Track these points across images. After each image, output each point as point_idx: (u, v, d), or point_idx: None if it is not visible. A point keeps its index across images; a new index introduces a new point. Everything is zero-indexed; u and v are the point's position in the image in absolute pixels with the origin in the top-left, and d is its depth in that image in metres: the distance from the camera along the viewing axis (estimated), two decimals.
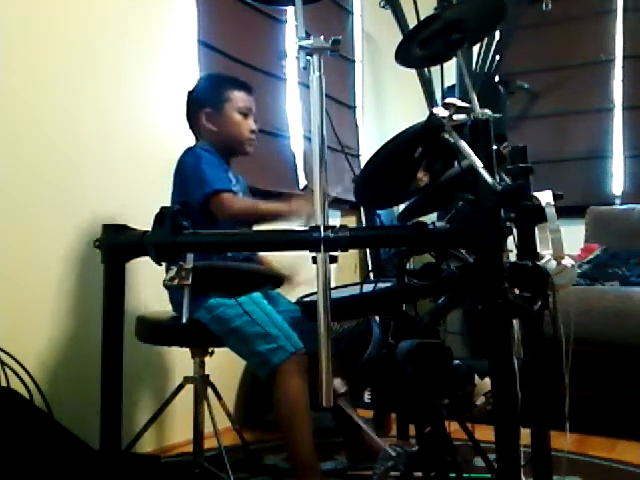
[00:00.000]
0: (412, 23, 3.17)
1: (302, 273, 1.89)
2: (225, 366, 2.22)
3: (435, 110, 1.20)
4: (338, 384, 1.74)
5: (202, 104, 1.99)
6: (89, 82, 2.11)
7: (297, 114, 3.12)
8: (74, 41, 2.08)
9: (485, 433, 1.41)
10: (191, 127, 2.05)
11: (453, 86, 3.24)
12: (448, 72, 3.15)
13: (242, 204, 1.87)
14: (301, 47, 1.17)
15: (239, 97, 2.00)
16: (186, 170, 1.88)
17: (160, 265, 1.30)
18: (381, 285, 1.50)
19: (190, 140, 2.04)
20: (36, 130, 1.94)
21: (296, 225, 1.83)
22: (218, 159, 1.92)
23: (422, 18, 1.33)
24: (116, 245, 1.24)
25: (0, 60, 1.86)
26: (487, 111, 1.23)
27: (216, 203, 1.80)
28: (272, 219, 1.86)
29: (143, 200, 1.93)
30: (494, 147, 1.23)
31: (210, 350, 1.90)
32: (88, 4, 2.13)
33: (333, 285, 1.23)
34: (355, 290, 1.59)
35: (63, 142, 2.02)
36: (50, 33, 2.01)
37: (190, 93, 2.05)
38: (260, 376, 1.75)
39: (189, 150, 1.93)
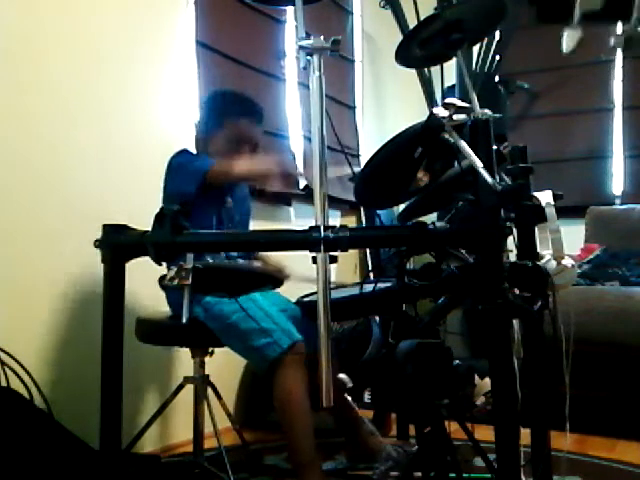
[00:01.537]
0: (412, 23, 3.17)
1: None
2: (225, 366, 2.22)
3: (435, 110, 1.21)
4: (345, 379, 1.75)
5: (201, 123, 2.05)
6: (89, 83, 2.11)
7: (297, 114, 3.12)
8: (74, 43, 2.08)
9: (485, 433, 1.41)
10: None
11: (453, 86, 3.24)
12: (448, 72, 3.15)
13: (234, 166, 1.83)
14: (301, 47, 1.17)
15: (238, 126, 1.97)
16: (177, 168, 1.91)
17: (160, 265, 1.30)
18: (381, 285, 1.50)
19: (189, 140, 2.05)
20: (37, 130, 1.95)
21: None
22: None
23: (422, 18, 1.34)
24: (116, 245, 1.24)
25: (4, 59, 1.86)
26: (487, 111, 1.23)
27: (212, 174, 1.81)
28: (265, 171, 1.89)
29: (143, 200, 1.93)
30: (494, 147, 1.23)
31: (210, 350, 1.90)
32: (88, 7, 2.13)
33: (333, 285, 1.23)
34: (355, 290, 1.59)
35: (64, 142, 2.02)
36: (50, 35, 2.01)
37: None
38: (259, 371, 1.76)
39: (177, 153, 1.95)
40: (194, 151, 2.07)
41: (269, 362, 1.72)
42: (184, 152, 1.98)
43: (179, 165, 1.91)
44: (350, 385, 1.78)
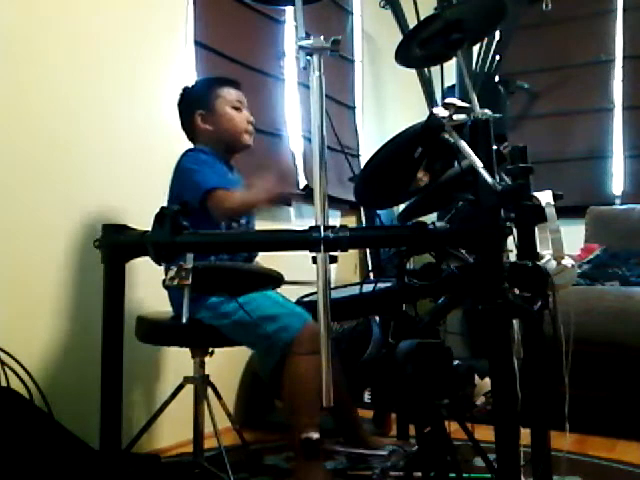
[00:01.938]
0: (412, 23, 3.17)
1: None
2: (225, 366, 2.23)
3: (435, 110, 1.21)
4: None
5: (194, 107, 2.01)
6: (89, 83, 2.11)
7: (297, 114, 3.12)
8: (74, 43, 2.07)
9: (485, 433, 1.41)
10: (187, 134, 2.05)
11: (453, 86, 3.24)
12: (448, 72, 3.15)
13: (232, 202, 1.82)
14: (301, 47, 1.17)
15: (228, 92, 2.01)
16: (183, 174, 1.89)
17: (160, 265, 1.30)
18: (381, 285, 1.50)
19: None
20: (38, 130, 1.94)
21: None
22: (216, 160, 1.92)
23: (422, 18, 1.34)
24: (116, 245, 1.24)
25: (4, 59, 1.86)
26: (487, 111, 1.23)
27: (209, 202, 1.79)
28: (260, 207, 1.88)
29: (143, 200, 1.93)
30: (494, 147, 1.23)
31: (210, 350, 1.90)
32: (88, 7, 2.13)
33: (333, 285, 1.23)
34: (355, 290, 1.59)
35: (64, 142, 2.02)
36: (50, 34, 2.01)
37: (179, 102, 2.06)
38: (269, 363, 1.75)
39: (186, 153, 1.93)
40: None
41: (283, 346, 1.71)
42: (195, 153, 1.94)
43: (185, 172, 1.88)
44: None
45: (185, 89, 2.09)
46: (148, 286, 1.98)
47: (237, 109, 2.00)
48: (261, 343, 1.78)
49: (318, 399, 1.70)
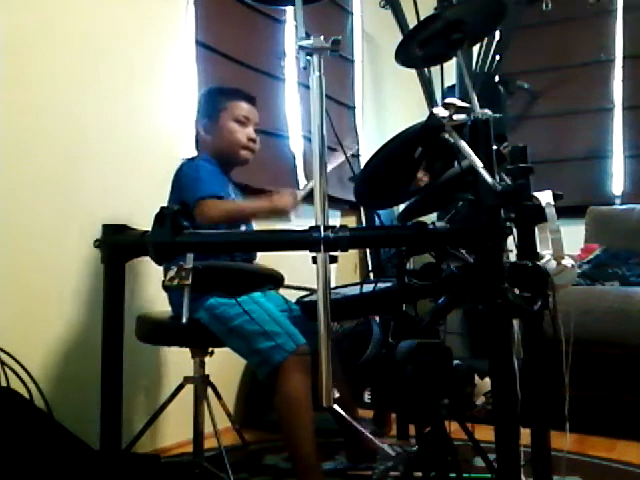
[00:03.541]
0: (412, 23, 3.17)
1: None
2: (225, 366, 2.23)
3: (435, 110, 1.20)
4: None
5: (200, 114, 2.03)
6: (89, 83, 2.11)
7: (297, 114, 3.12)
8: (74, 42, 2.08)
9: (485, 433, 1.41)
10: (195, 139, 2.08)
11: (453, 86, 3.24)
12: (448, 72, 3.15)
13: (222, 207, 1.81)
14: (301, 47, 1.17)
15: (237, 106, 2.00)
16: (182, 181, 1.89)
17: (160, 265, 1.30)
18: (381, 285, 1.50)
19: (189, 139, 2.05)
20: (38, 130, 1.94)
21: (282, 221, 1.87)
22: (216, 169, 1.92)
23: (422, 18, 1.34)
24: (116, 245, 1.24)
25: (4, 60, 1.86)
26: (487, 111, 1.23)
27: (197, 210, 1.78)
28: (256, 217, 1.87)
29: (143, 200, 1.93)
30: (494, 147, 1.23)
31: (210, 350, 1.90)
32: (88, 7, 2.13)
33: (333, 285, 1.23)
34: (355, 290, 1.59)
35: (64, 142, 2.02)
36: (50, 33, 2.01)
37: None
38: (260, 375, 1.75)
39: (188, 161, 1.94)
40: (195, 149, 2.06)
41: (273, 366, 1.71)
42: (197, 161, 1.94)
43: (184, 179, 1.89)
44: (337, 396, 1.76)
45: (201, 93, 2.10)
46: (148, 286, 1.98)
47: (242, 123, 1.99)
48: (252, 357, 1.77)
49: (310, 422, 1.72)
